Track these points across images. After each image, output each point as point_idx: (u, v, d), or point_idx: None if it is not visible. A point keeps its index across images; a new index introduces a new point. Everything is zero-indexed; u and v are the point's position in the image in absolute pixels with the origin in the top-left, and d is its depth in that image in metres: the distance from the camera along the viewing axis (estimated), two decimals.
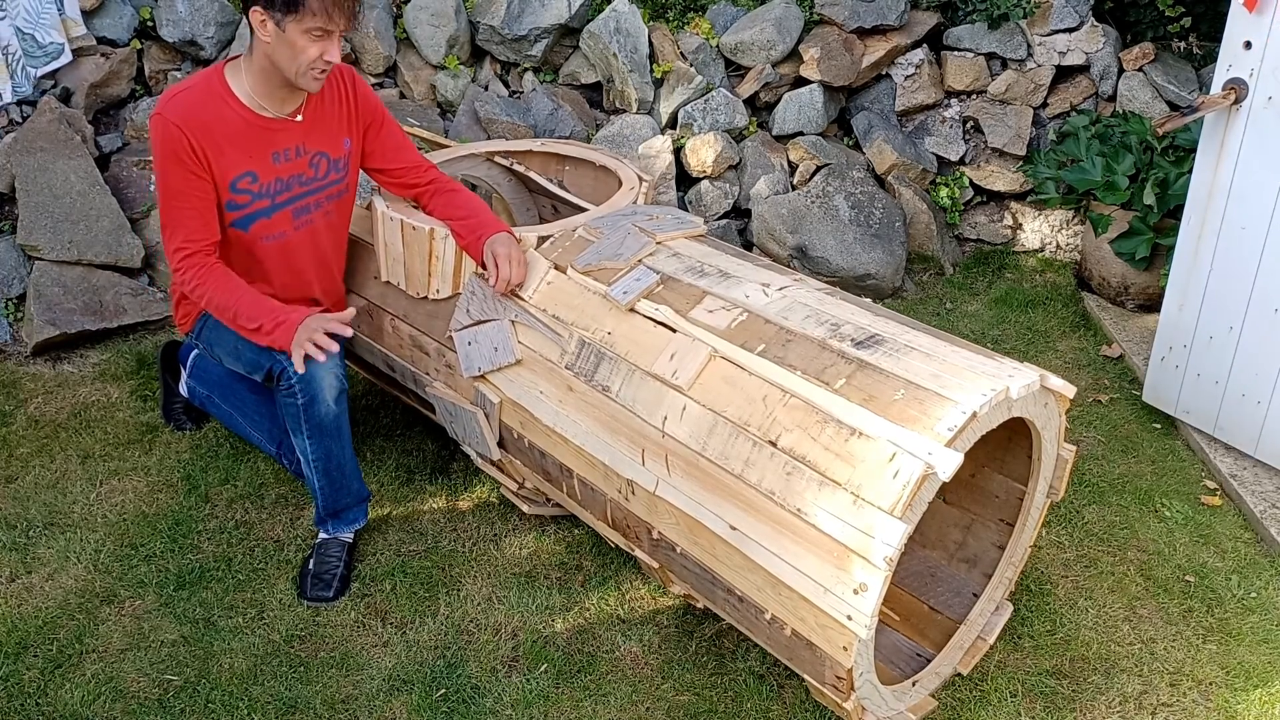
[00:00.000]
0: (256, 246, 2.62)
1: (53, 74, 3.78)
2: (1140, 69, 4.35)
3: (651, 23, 4.27)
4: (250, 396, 2.97)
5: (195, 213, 2.48)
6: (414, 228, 2.66)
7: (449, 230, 2.65)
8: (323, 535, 2.74)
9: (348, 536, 2.75)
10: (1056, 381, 2.13)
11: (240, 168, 2.51)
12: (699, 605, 2.52)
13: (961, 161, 4.47)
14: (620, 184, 2.98)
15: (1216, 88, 2.89)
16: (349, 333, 2.46)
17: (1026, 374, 2.07)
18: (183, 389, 3.16)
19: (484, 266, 2.59)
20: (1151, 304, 3.96)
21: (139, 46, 4.00)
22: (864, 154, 4.39)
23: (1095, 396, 3.53)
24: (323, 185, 2.67)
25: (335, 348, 2.45)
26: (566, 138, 4.13)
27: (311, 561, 2.70)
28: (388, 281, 2.82)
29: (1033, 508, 2.43)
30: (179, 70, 4.05)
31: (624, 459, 2.31)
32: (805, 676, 2.17)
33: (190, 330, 2.83)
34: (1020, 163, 4.40)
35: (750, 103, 4.36)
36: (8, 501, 2.95)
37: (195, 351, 3.06)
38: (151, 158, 2.46)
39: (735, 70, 4.36)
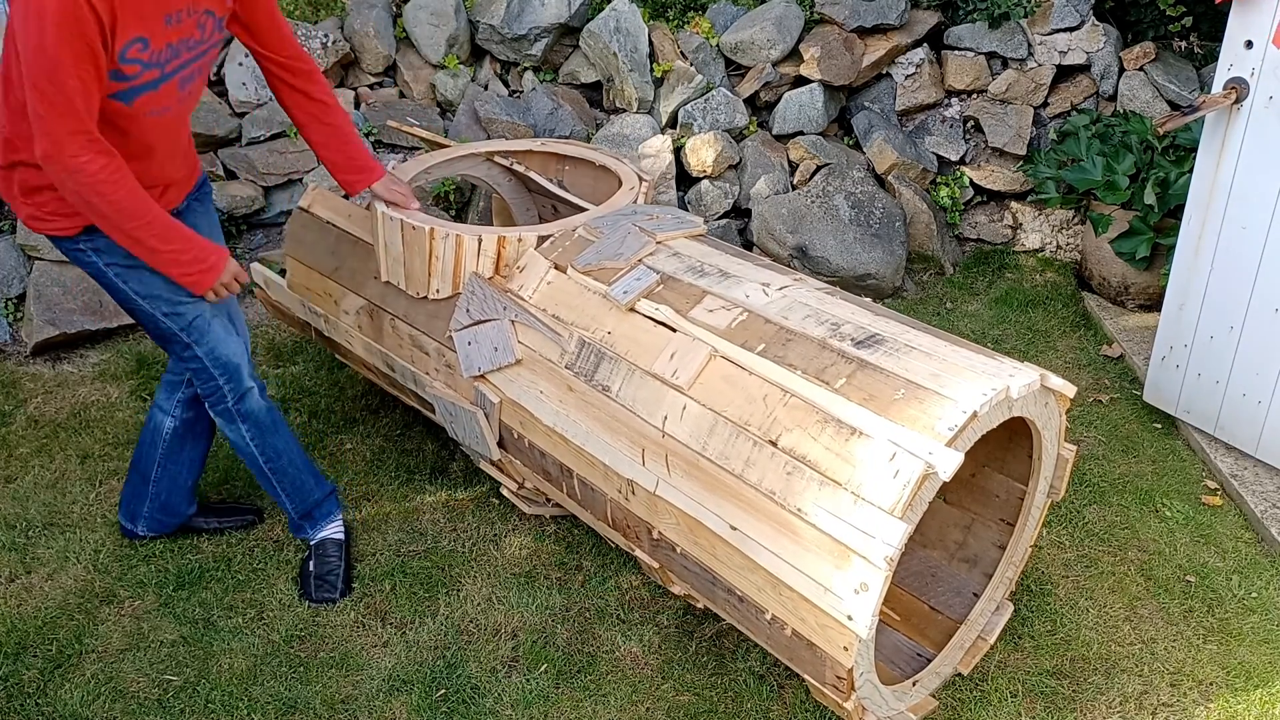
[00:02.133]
0: (138, 122, 2.29)
1: None
2: (1141, 68, 4.35)
3: (651, 22, 4.26)
4: None
5: (86, 93, 2.09)
6: (414, 228, 2.66)
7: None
8: (314, 538, 2.74)
9: (340, 533, 2.75)
10: (1057, 381, 2.13)
11: (131, 32, 2.16)
12: (699, 605, 2.52)
13: (962, 161, 4.47)
14: (620, 184, 2.98)
15: (1217, 87, 2.88)
16: (247, 280, 2.47)
17: (1027, 374, 2.07)
18: None
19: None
20: (1152, 304, 3.96)
21: None
22: (864, 153, 4.39)
23: (1095, 396, 3.53)
24: (206, 49, 2.39)
25: (237, 290, 2.44)
26: (566, 137, 4.12)
27: (311, 563, 2.70)
28: (388, 281, 2.81)
29: (1033, 507, 2.42)
30: None
31: (624, 459, 2.30)
32: (806, 676, 2.17)
33: (72, 233, 2.37)
34: (1020, 162, 4.39)
35: (750, 102, 4.36)
36: (7, 501, 2.95)
37: None
38: (26, 27, 2.05)
39: (735, 69, 4.36)
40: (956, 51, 4.41)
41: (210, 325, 2.48)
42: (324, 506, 2.75)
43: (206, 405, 2.58)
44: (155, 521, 2.79)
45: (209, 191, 2.70)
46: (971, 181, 4.46)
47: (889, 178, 4.33)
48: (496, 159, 3.28)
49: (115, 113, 2.25)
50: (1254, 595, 2.70)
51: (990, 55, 4.40)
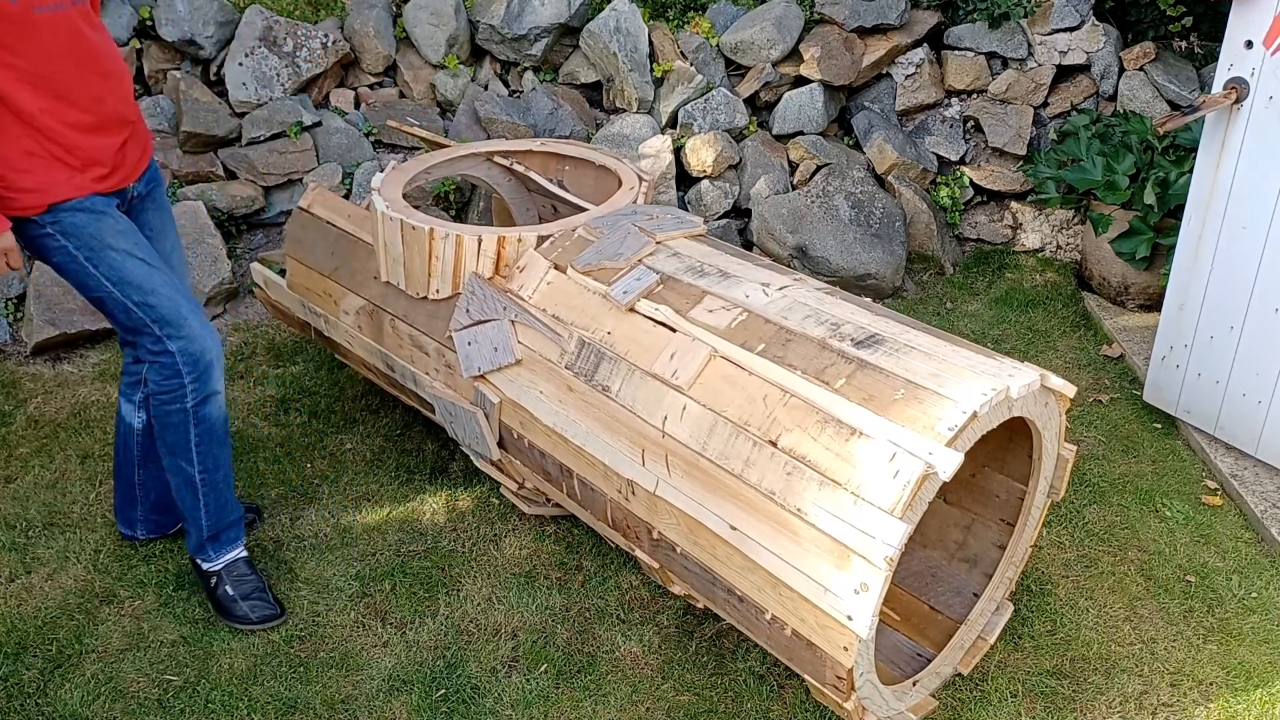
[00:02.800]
0: (31, 25, 2.15)
1: None
2: (1141, 68, 4.35)
3: (651, 22, 4.26)
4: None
5: None
6: (414, 227, 2.66)
7: None
8: (216, 564, 2.58)
9: (245, 552, 2.63)
10: (1057, 381, 2.13)
11: None
12: (699, 605, 2.52)
13: (962, 161, 4.47)
14: (620, 184, 2.98)
15: (1217, 87, 2.88)
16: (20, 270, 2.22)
17: (1027, 374, 2.07)
18: None
19: None
20: (1152, 304, 3.96)
21: (138, 46, 4.00)
22: (864, 153, 4.39)
23: (1095, 396, 3.53)
24: None
25: (4, 270, 2.24)
26: (566, 137, 4.12)
27: (227, 587, 2.56)
28: (388, 281, 2.81)
29: (1033, 507, 2.42)
30: (178, 69, 4.05)
31: (624, 459, 2.30)
32: (806, 676, 2.17)
33: (35, 212, 2.27)
34: (1020, 162, 4.39)
35: (750, 102, 4.36)
36: (7, 501, 2.95)
37: None
38: None
39: (735, 69, 4.36)
40: (956, 51, 4.41)
41: (187, 319, 2.35)
42: (235, 530, 2.59)
43: (156, 403, 2.39)
44: (152, 524, 2.77)
45: (161, 181, 2.57)
46: (971, 181, 4.46)
47: (889, 178, 4.33)
48: (496, 159, 3.28)
49: (2, 17, 2.12)
50: (1254, 595, 2.70)
51: (990, 55, 4.40)
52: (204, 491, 2.50)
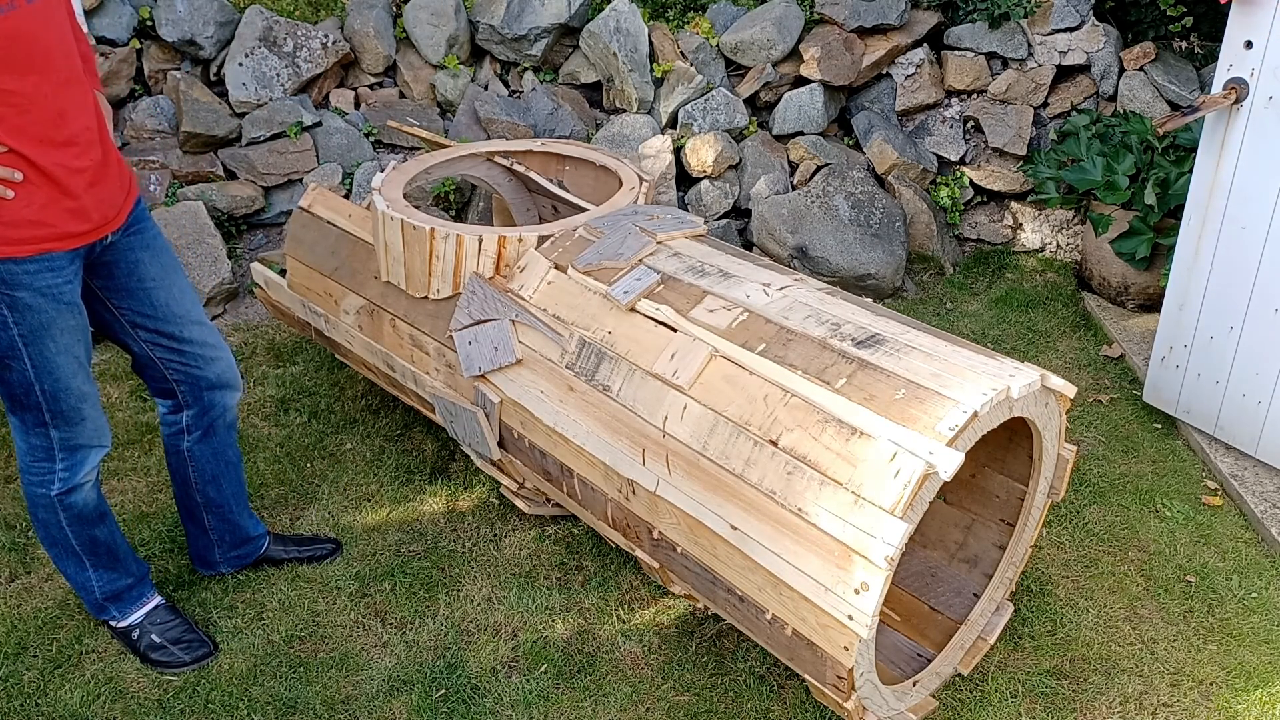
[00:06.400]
0: None
1: None
2: (1141, 68, 4.35)
3: (651, 22, 4.26)
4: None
5: None
6: (414, 227, 2.66)
7: None
8: (127, 620, 2.48)
9: (161, 600, 2.53)
10: (1057, 381, 2.13)
11: None
12: (699, 605, 2.52)
13: (962, 161, 4.47)
14: (620, 184, 2.98)
15: (1217, 87, 2.89)
16: None
17: (1027, 374, 2.07)
18: None
19: None
20: (1151, 304, 3.96)
21: (138, 46, 4.00)
22: (864, 154, 4.39)
23: (1095, 396, 3.53)
24: None
25: None
26: (566, 138, 4.12)
27: (153, 636, 2.46)
28: (388, 281, 2.81)
29: (1033, 508, 2.42)
30: (178, 69, 4.05)
31: (625, 459, 2.30)
32: (806, 676, 2.17)
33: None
34: (1021, 162, 4.39)
35: (750, 102, 4.36)
36: (7, 501, 2.95)
37: None
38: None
39: (735, 70, 4.36)
40: (956, 51, 4.41)
41: (85, 419, 2.20)
42: (136, 589, 2.48)
43: (22, 478, 2.27)
44: (233, 560, 2.68)
45: (150, 222, 2.28)
46: (971, 181, 4.46)
47: (889, 178, 4.33)
48: (497, 159, 3.28)
49: None
50: (1254, 595, 2.70)
51: (990, 55, 4.41)
52: (90, 560, 2.40)
